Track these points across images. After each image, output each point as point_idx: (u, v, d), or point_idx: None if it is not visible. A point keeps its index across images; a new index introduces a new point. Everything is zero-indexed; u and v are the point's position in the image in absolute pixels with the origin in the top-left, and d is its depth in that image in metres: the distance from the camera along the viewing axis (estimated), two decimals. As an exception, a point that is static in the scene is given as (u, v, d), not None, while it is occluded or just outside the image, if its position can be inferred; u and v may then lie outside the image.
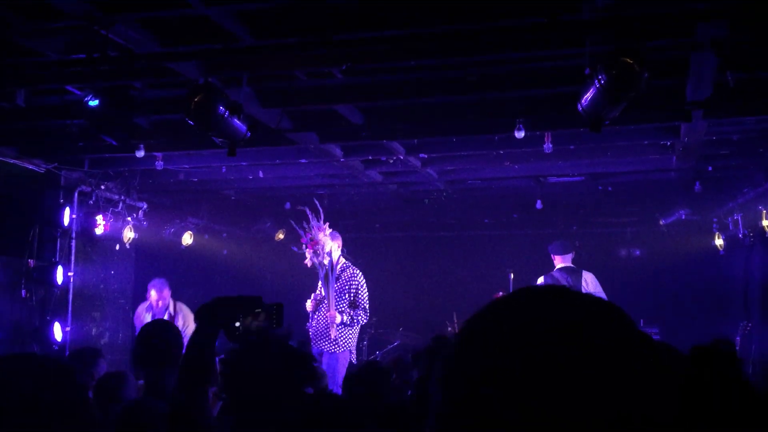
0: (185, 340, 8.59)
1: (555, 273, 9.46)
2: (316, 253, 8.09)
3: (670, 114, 6.47)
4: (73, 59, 5.51)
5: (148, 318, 8.78)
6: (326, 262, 8.07)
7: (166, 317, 8.74)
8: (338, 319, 7.92)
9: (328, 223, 8.27)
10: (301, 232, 8.21)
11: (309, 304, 8.20)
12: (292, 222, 8.32)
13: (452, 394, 0.85)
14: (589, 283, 9.46)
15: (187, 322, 8.77)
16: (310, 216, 8.18)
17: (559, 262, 9.54)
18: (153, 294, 8.79)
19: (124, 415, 3.11)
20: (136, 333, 8.65)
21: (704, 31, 4.62)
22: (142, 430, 3.04)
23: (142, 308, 8.97)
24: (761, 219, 8.86)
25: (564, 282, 9.34)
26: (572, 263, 9.57)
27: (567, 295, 0.88)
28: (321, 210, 8.20)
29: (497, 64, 5.85)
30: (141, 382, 5.07)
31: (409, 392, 5.80)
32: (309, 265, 8.22)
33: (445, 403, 0.85)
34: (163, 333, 4.16)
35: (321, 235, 8.15)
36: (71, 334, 8.79)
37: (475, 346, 0.86)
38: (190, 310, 8.84)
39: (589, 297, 0.89)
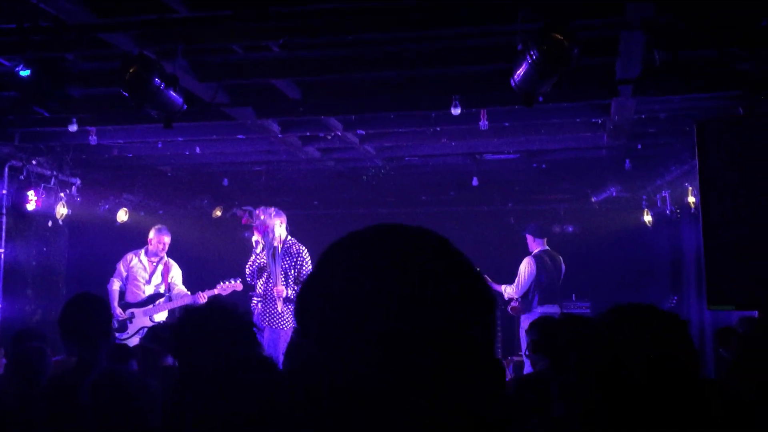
0: (174, 298, 8.85)
1: (542, 254, 9.73)
2: (266, 234, 8.21)
3: (599, 91, 6.66)
4: (3, 29, 5.38)
5: (136, 262, 8.95)
6: (275, 243, 8.16)
7: (161, 267, 8.90)
8: (284, 293, 8.01)
9: (273, 208, 8.43)
10: (245, 215, 8.39)
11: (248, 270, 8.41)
12: (236, 211, 8.49)
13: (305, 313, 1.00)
14: (563, 267, 9.83)
15: (176, 279, 9.03)
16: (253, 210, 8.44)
17: (540, 244, 9.84)
18: (155, 235, 9.18)
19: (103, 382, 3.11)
20: (114, 280, 8.87)
21: (633, 10, 4.76)
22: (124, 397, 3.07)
23: (131, 255, 9.22)
24: (687, 195, 9.16)
25: (551, 263, 9.66)
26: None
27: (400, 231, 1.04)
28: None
29: (433, 40, 5.92)
30: (59, 357, 5.03)
31: None
32: (256, 246, 8.36)
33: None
34: (92, 308, 4.10)
35: (268, 219, 8.27)
36: (3, 311, 8.63)
37: (323, 273, 1.01)
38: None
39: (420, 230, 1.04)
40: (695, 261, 9.80)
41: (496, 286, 9.72)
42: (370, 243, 1.01)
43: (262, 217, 8.35)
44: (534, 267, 9.66)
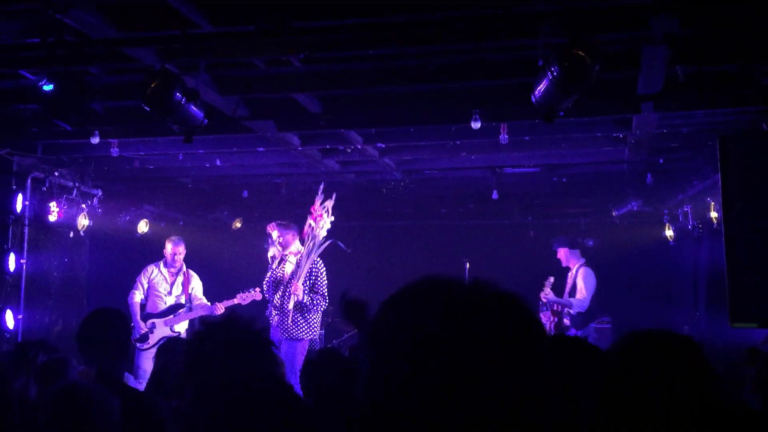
0: (194, 309, 8.83)
1: (587, 265, 9.67)
2: (317, 224, 8.30)
3: (621, 106, 6.61)
4: (28, 43, 5.43)
5: (157, 273, 9.00)
6: (322, 235, 8.26)
7: (181, 278, 8.96)
8: (300, 292, 7.99)
9: (285, 222, 8.53)
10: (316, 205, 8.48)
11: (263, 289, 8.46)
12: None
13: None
14: None
15: (197, 290, 9.06)
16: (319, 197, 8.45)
17: (579, 256, 9.80)
18: (168, 247, 9.22)
19: (60, 396, 3.08)
20: (135, 292, 8.88)
21: (656, 24, 4.73)
22: (80, 412, 3.03)
23: (151, 267, 9.29)
24: (709, 210, 9.06)
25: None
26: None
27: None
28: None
29: (454, 55, 5.91)
30: (81, 367, 5.05)
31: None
32: (272, 262, 8.40)
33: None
34: (110, 322, 4.11)
35: (324, 212, 8.35)
36: (24, 322, 8.68)
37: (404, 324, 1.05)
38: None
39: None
40: (718, 277, 9.69)
41: (564, 301, 9.50)
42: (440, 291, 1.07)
43: (275, 233, 8.42)
44: (595, 277, 9.52)
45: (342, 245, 8.52)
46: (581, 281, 9.49)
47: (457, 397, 0.94)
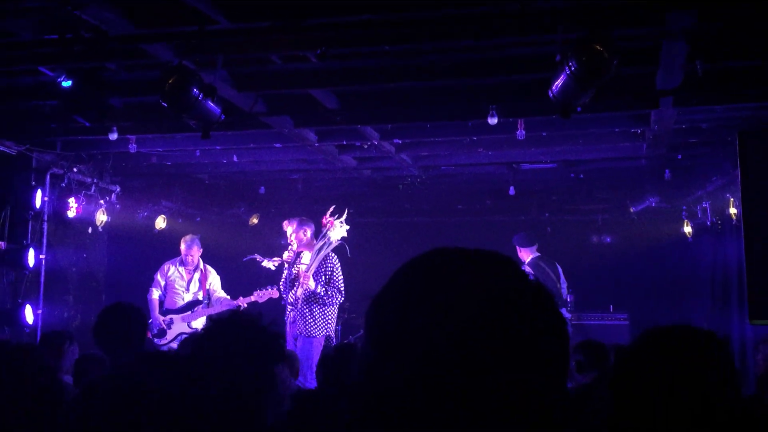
0: (214, 304, 8.90)
1: (536, 260, 9.64)
2: (329, 228, 8.42)
3: (639, 102, 6.57)
4: (46, 39, 5.46)
5: (174, 271, 9.07)
6: (335, 238, 8.38)
7: (198, 275, 9.01)
8: (311, 282, 8.03)
9: (297, 219, 8.73)
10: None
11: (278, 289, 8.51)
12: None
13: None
14: (561, 271, 9.73)
15: (215, 285, 9.11)
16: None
17: (531, 252, 9.74)
18: (184, 248, 9.29)
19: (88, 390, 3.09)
20: (153, 290, 8.95)
21: (675, 20, 4.70)
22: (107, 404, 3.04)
23: (168, 264, 9.37)
24: (729, 207, 8.99)
25: (548, 268, 9.58)
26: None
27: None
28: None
29: (470, 50, 5.89)
30: None
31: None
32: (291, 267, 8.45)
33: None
34: (127, 316, 4.14)
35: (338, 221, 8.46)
36: (43, 317, 8.74)
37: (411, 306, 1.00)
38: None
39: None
40: (737, 274, 9.62)
41: None
42: (439, 266, 1.04)
43: (290, 230, 8.50)
44: (531, 273, 9.55)
45: (347, 250, 8.57)
46: None
47: (462, 390, 0.91)
